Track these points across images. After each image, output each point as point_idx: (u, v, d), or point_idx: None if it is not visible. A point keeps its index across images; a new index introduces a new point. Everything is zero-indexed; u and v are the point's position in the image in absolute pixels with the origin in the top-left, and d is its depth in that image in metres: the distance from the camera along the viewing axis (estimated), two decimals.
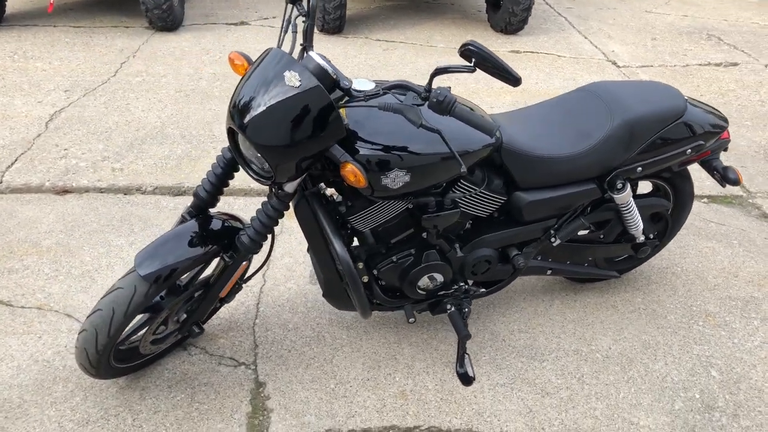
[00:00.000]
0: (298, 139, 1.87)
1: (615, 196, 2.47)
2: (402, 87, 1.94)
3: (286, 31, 2.11)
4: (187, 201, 3.43)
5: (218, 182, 2.21)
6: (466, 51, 1.81)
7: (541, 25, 6.12)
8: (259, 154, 1.95)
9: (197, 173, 3.61)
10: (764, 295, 2.94)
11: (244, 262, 2.23)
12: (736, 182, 2.56)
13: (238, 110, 1.89)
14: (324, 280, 2.39)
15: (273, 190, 2.11)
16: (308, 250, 2.58)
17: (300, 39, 4.15)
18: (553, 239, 2.50)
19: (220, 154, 2.22)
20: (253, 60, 2.14)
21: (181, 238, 2.11)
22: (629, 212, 2.55)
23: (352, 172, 1.93)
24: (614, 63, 5.35)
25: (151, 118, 4.16)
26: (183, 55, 5.12)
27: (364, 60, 5.13)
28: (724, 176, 2.58)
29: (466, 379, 2.45)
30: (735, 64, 5.44)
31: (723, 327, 2.76)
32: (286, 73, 1.86)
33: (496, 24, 5.84)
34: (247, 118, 1.86)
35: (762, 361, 2.60)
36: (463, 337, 2.37)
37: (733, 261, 3.15)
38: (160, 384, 2.39)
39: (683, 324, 2.77)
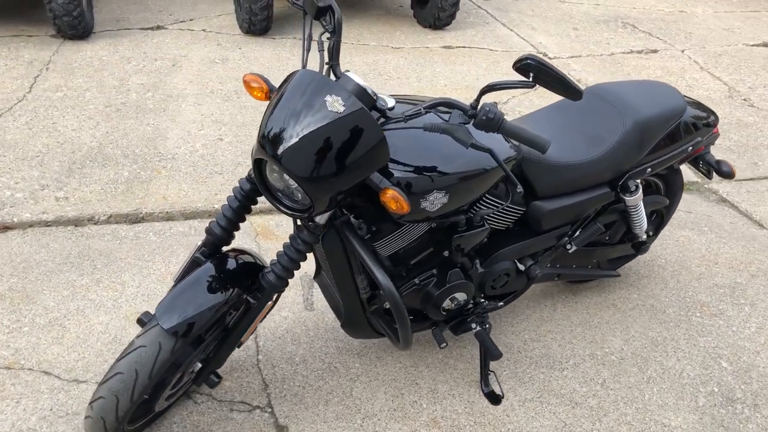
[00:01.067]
0: (342, 168, 1.72)
1: (628, 198, 2.45)
2: (447, 105, 1.82)
3: (308, 50, 1.93)
4: (148, 228, 3.15)
5: (235, 217, 2.02)
6: (523, 66, 1.71)
7: (466, 19, 6.12)
8: (294, 186, 1.78)
9: (152, 197, 3.32)
10: (746, 279, 3.04)
11: (269, 302, 2.04)
12: (730, 175, 2.61)
13: (270, 139, 1.71)
14: (345, 311, 2.23)
15: (302, 222, 1.94)
16: (315, 278, 2.42)
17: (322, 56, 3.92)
18: (568, 246, 2.46)
19: (237, 185, 2.02)
20: (271, 82, 1.95)
21: (200, 283, 1.90)
22: (637, 213, 2.54)
23: (394, 199, 1.79)
24: (545, 55, 5.41)
25: (84, 138, 3.81)
26: (102, 65, 4.72)
27: (298, 62, 4.92)
28: (719, 170, 2.63)
29: (495, 399, 2.37)
30: (655, 51, 5.65)
31: (719, 316, 2.83)
32: (328, 98, 1.69)
33: (424, 19, 5.78)
34: (284, 148, 1.69)
35: (764, 347, 2.68)
36: (496, 356, 2.29)
37: (710, 248, 3.24)
38: None
39: (683, 317, 2.81)
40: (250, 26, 5.32)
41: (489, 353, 2.30)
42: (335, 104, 1.69)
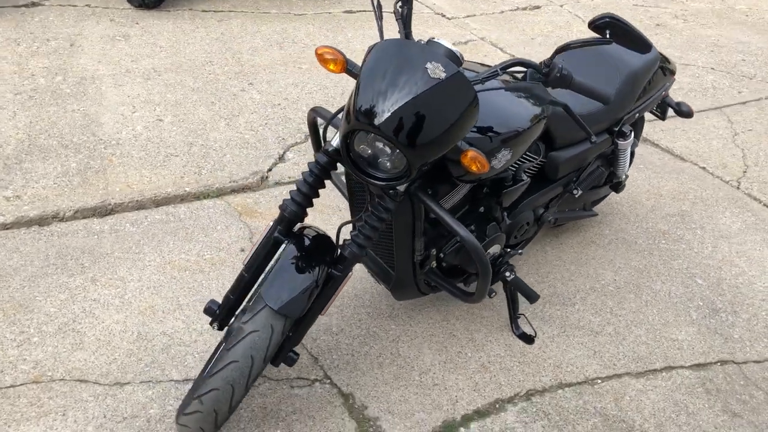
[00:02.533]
0: (443, 133, 1.79)
1: (621, 142, 2.71)
2: (522, 64, 1.93)
3: (381, 18, 1.95)
4: (122, 220, 2.99)
5: (311, 192, 2.01)
6: (601, 24, 1.85)
7: None
8: (388, 155, 1.82)
9: (115, 187, 3.14)
10: (689, 207, 3.46)
11: (350, 273, 2.07)
12: (689, 114, 2.95)
13: (371, 110, 1.74)
14: (398, 275, 2.31)
15: (384, 191, 1.98)
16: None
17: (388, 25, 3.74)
18: (575, 191, 2.68)
19: (312, 161, 2.01)
20: (346, 54, 1.96)
21: (291, 263, 1.90)
22: (624, 156, 2.81)
23: (475, 160, 1.89)
24: (443, 15, 5.61)
25: (7, 131, 3.47)
26: None
27: (205, 35, 4.74)
28: (679, 111, 2.96)
29: (528, 339, 2.56)
30: (538, 7, 6.04)
31: (680, 241, 3.21)
32: (429, 65, 1.75)
33: None
34: (388, 117, 1.72)
35: (723, 262, 3.09)
36: (534, 298, 2.47)
37: (651, 183, 3.63)
38: (248, 427, 2.14)
39: (652, 245, 3.16)
40: None
41: (528, 296, 2.47)
42: (436, 71, 1.75)
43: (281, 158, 3.50)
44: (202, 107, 3.85)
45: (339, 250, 2.02)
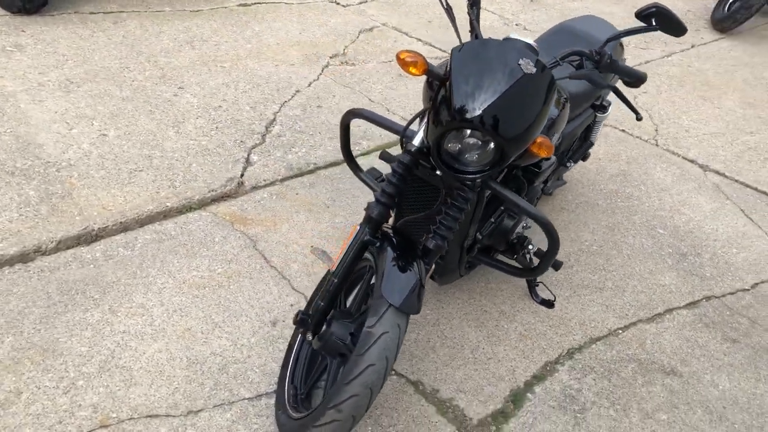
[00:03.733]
0: (535, 121, 1.92)
1: (600, 115, 2.98)
2: (577, 54, 2.11)
3: (453, 20, 2.03)
4: (111, 245, 2.82)
5: (396, 193, 2.06)
6: (648, 13, 2.06)
7: None
8: (481, 150, 1.92)
9: (91, 209, 2.94)
10: (626, 166, 3.86)
11: (433, 266, 2.15)
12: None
13: (471, 109, 1.83)
14: (447, 261, 2.42)
15: (463, 183, 2.08)
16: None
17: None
18: (568, 163, 2.93)
19: (395, 162, 2.05)
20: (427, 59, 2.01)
21: (392, 264, 1.95)
22: (599, 127, 3.10)
23: (543, 145, 2.05)
24: (337, 3, 5.66)
25: None
26: None
27: (107, 39, 4.45)
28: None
29: (549, 304, 2.78)
30: None
31: (631, 198, 3.58)
32: (521, 61, 1.87)
33: None
34: (489, 114, 1.83)
35: (672, 212, 3.50)
36: (559, 265, 2.68)
37: None
38: None
39: (612, 204, 3.51)
40: (25, 4, 4.61)
41: (554, 266, 2.68)
42: (528, 66, 1.87)
43: (248, 162, 3.44)
44: (143, 117, 3.66)
45: (423, 244, 2.09)
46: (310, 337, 2.10)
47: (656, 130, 4.26)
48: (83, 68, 4.06)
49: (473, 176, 1.97)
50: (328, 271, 2.13)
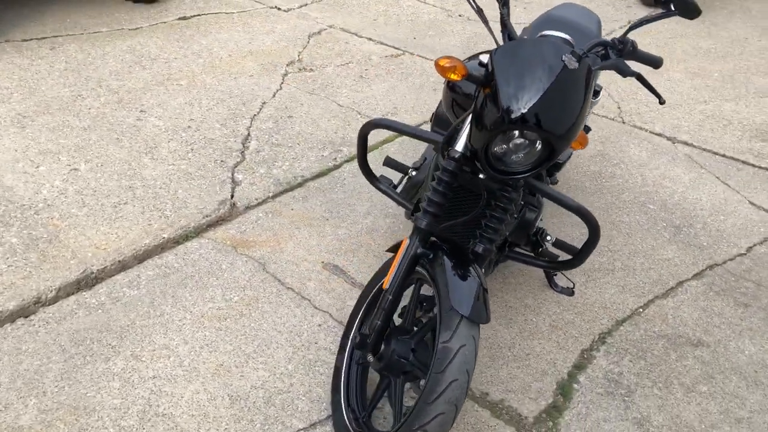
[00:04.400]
0: (580, 115, 1.93)
1: (593, 101, 3.02)
2: (601, 44, 2.12)
3: (487, 22, 2.01)
4: (115, 285, 2.67)
5: (444, 201, 2.02)
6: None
7: None
8: (531, 145, 1.91)
9: (84, 251, 2.77)
10: (601, 146, 3.94)
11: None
12: None
13: (522, 111, 1.81)
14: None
15: (506, 183, 2.06)
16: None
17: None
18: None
19: (441, 167, 2.01)
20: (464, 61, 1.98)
21: (453, 273, 1.92)
22: (590, 112, 3.14)
23: (581, 137, 2.06)
24: (278, 8, 5.54)
25: None
26: None
27: (50, 67, 4.20)
28: None
29: (569, 291, 2.81)
30: None
31: (615, 177, 3.67)
32: (564, 57, 1.87)
33: None
34: (542, 113, 1.83)
35: (656, 187, 3.60)
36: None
37: None
38: None
39: (599, 185, 3.58)
40: None
41: (572, 253, 2.70)
42: (571, 62, 1.87)
43: (234, 181, 3.32)
44: (111, 146, 3.48)
45: (472, 248, 2.06)
46: (371, 358, 2.04)
47: (619, 108, 4.38)
48: (32, 100, 3.83)
49: (521, 176, 1.96)
50: (371, 287, 2.07)
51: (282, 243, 2.97)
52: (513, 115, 1.82)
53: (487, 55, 2.23)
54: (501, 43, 2.08)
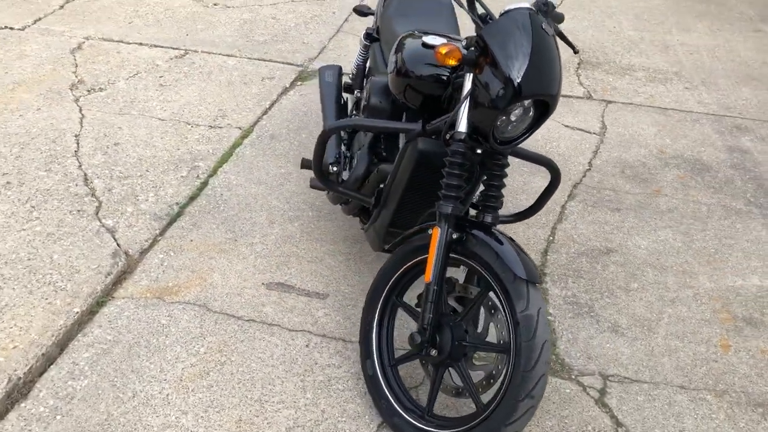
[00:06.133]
0: (562, 73, 2.10)
1: None
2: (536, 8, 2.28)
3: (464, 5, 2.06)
4: (53, 384, 2.27)
5: (462, 182, 2.07)
6: None
7: None
8: (532, 112, 2.05)
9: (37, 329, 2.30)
10: None
11: None
12: None
13: (534, 81, 1.93)
14: None
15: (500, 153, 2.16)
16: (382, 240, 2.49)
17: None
18: None
19: (454, 150, 2.04)
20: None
21: (497, 244, 2.02)
22: None
23: None
24: (10, 28, 4.79)
25: None
26: None
27: None
28: None
29: None
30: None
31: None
32: (544, 24, 2.01)
33: None
34: (551, 80, 1.98)
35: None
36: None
37: None
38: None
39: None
40: None
41: None
42: (548, 27, 2.03)
43: (108, 229, 2.94)
44: None
45: (483, 220, 2.15)
46: (434, 352, 2.05)
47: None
48: None
49: (520, 141, 2.10)
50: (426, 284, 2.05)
51: (207, 278, 2.74)
52: (524, 86, 1.92)
53: (434, 38, 2.31)
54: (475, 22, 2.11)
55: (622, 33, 5.45)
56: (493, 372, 2.08)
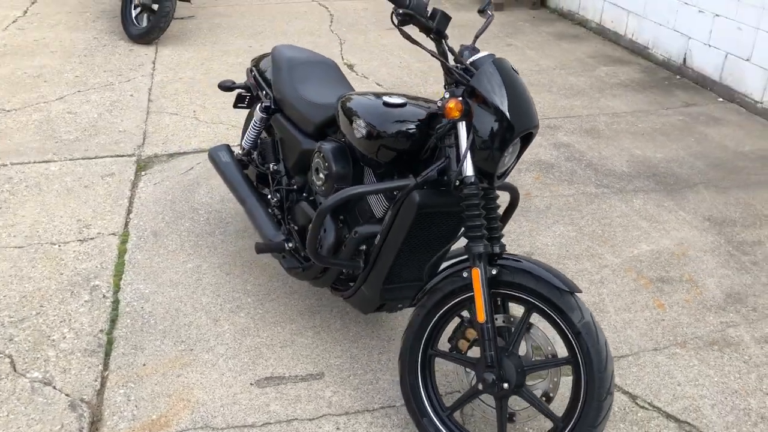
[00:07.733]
0: None
1: None
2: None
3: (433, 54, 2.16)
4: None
5: (484, 222, 2.19)
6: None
7: None
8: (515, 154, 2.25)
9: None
10: None
11: None
12: None
13: (523, 115, 2.15)
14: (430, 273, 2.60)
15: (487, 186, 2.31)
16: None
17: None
18: None
19: (466, 202, 2.14)
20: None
21: (534, 265, 2.17)
22: None
23: None
24: None
25: None
26: None
27: None
28: None
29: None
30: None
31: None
32: (514, 66, 2.23)
33: None
34: (534, 114, 2.19)
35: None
36: None
37: None
38: None
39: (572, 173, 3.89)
40: None
41: None
42: (513, 66, 2.24)
43: (44, 381, 2.54)
44: None
45: (492, 252, 2.27)
46: (507, 386, 2.13)
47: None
48: None
49: (509, 173, 2.28)
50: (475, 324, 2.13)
51: (189, 397, 2.51)
52: (516, 124, 2.11)
53: (392, 97, 2.43)
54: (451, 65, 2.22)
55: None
56: (550, 386, 2.22)
